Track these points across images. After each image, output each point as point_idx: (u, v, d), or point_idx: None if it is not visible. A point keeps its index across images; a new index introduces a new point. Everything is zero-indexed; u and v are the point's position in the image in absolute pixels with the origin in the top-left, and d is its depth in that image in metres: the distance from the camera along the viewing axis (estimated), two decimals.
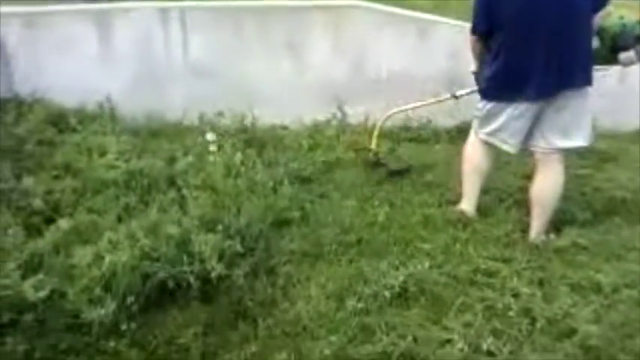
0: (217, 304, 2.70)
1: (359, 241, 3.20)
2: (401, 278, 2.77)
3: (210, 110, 4.59)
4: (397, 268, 2.90)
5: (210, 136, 4.04)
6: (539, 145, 3.26)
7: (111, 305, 2.49)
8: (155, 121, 4.54)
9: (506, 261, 3.08)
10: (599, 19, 3.15)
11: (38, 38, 4.78)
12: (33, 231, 3.08)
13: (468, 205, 3.52)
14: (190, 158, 3.80)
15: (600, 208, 3.72)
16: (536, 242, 3.26)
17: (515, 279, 2.90)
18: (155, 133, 4.37)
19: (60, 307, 2.48)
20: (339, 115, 4.95)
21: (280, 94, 4.86)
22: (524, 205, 3.51)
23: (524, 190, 3.54)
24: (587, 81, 3.10)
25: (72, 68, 4.69)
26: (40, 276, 2.60)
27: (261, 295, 2.78)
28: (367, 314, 2.61)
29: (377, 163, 4.16)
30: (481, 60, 3.36)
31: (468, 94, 3.88)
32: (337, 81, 5.09)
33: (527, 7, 3.02)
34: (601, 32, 3.24)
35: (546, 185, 3.28)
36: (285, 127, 4.69)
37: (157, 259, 2.74)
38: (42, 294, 2.46)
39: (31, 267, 2.68)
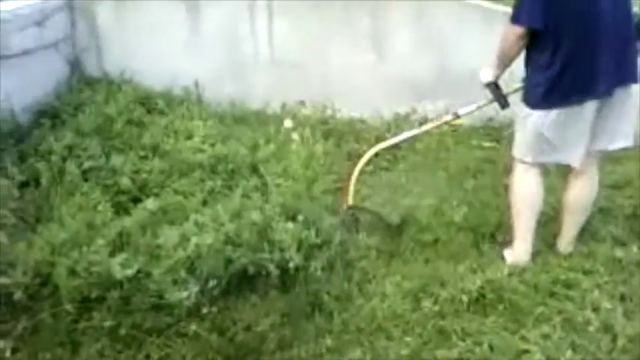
0: (294, 295, 2.74)
1: (435, 241, 3.19)
2: (478, 283, 2.74)
3: (292, 99, 4.64)
4: (475, 272, 2.87)
5: (287, 123, 4.09)
6: (594, 148, 2.97)
7: (194, 288, 2.57)
8: (239, 107, 4.63)
9: (586, 273, 2.98)
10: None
11: (129, 20, 4.94)
12: (120, 209, 3.23)
13: (523, 248, 3.07)
14: (272, 146, 3.86)
15: None
16: (567, 252, 3.13)
17: (595, 292, 2.81)
18: (239, 119, 4.46)
19: (145, 286, 2.58)
20: (419, 109, 4.91)
21: (361, 86, 4.85)
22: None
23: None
24: (636, 77, 2.90)
25: (161, 52, 4.82)
26: (127, 255, 2.71)
27: (337, 289, 2.81)
28: (443, 318, 2.60)
29: (356, 222, 3.34)
30: (509, 64, 2.98)
31: (473, 111, 3.30)
32: (419, 74, 5.02)
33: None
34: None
35: (585, 192, 3.06)
36: (364, 121, 4.69)
37: (240, 245, 2.81)
38: (129, 272, 2.57)
39: (118, 245, 2.80)
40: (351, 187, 3.30)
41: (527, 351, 2.42)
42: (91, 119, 4.00)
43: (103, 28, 4.91)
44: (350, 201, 3.31)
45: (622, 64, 2.83)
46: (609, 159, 4.17)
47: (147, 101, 4.46)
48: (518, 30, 2.79)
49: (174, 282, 2.60)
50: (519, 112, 2.98)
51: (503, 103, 3.07)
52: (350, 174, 3.32)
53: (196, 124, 4.08)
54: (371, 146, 3.52)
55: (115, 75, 4.74)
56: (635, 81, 2.90)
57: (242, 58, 4.89)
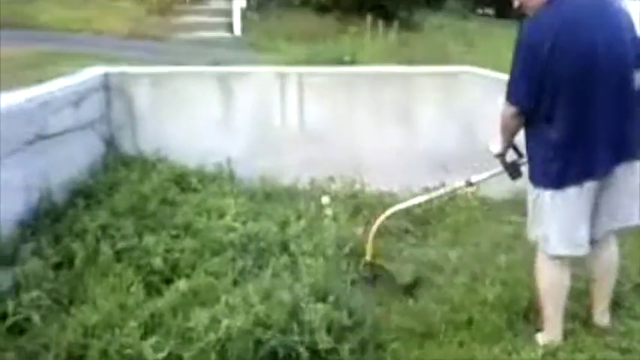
0: None
1: (469, 322, 3.13)
2: None
3: (321, 175, 4.70)
4: (510, 354, 2.80)
5: (325, 200, 4.13)
6: (596, 231, 2.80)
7: None
8: (269, 183, 4.70)
9: (623, 351, 2.91)
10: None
11: (163, 99, 5.11)
12: (152, 289, 3.25)
13: (555, 332, 2.93)
14: (303, 223, 3.88)
15: None
16: (604, 324, 3.04)
17: None
18: (269, 195, 4.52)
19: None
20: (447, 182, 4.91)
21: (389, 161, 4.91)
22: None
23: None
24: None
25: (194, 129, 4.96)
26: (158, 337, 2.71)
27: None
28: None
29: (375, 278, 3.51)
30: (512, 138, 2.92)
31: (485, 179, 3.32)
32: (447, 149, 5.08)
33: (587, 67, 2.56)
34: None
35: (603, 261, 2.94)
36: (393, 194, 4.71)
37: (269, 327, 2.79)
38: (160, 356, 2.56)
39: (150, 327, 2.80)
40: (370, 244, 3.48)
41: None
42: (125, 198, 4.07)
43: (137, 106, 5.08)
44: (369, 257, 3.47)
45: (630, 136, 2.68)
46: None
47: (181, 179, 4.55)
48: (512, 109, 2.71)
49: None
50: (529, 193, 2.84)
51: (514, 173, 3.04)
52: (368, 231, 3.50)
53: (228, 202, 4.13)
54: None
55: (150, 153, 4.86)
56: (638, 156, 2.74)
57: (273, 133, 5.01)
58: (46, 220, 3.79)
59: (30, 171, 3.82)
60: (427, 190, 4.83)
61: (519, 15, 2.84)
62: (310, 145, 4.94)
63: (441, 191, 3.61)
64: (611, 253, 2.95)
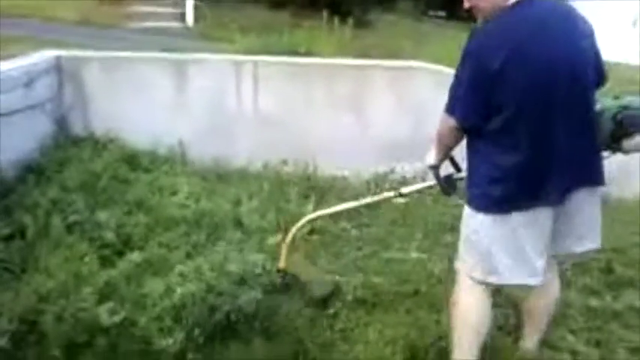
0: (279, 342, 2.78)
1: (416, 292, 3.25)
2: None
3: (274, 159, 4.78)
4: None
5: None
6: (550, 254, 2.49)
7: (179, 335, 2.61)
8: (222, 166, 4.75)
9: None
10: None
11: (116, 82, 5.09)
12: (105, 262, 3.26)
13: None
14: (255, 202, 3.95)
15: None
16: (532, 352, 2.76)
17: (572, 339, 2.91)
18: (222, 177, 4.57)
19: (131, 333, 2.61)
20: (397, 169, 5.07)
21: (342, 147, 5.02)
22: None
23: None
24: (602, 175, 2.43)
25: (146, 112, 4.96)
26: (114, 303, 2.75)
27: (321, 338, 2.86)
28: None
29: (287, 287, 3.23)
30: (448, 152, 2.60)
31: (416, 191, 3.20)
32: (397, 137, 5.22)
33: (544, 84, 2.23)
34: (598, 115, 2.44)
35: (550, 294, 2.66)
36: (345, 178, 4.83)
37: (221, 294, 2.86)
38: (116, 319, 2.60)
39: (105, 294, 2.83)
40: (284, 252, 3.24)
41: None
42: (75, 175, 4.06)
43: (89, 89, 5.03)
44: (282, 264, 3.24)
45: (588, 159, 2.38)
46: None
47: (132, 159, 4.55)
48: (452, 122, 2.37)
49: (160, 330, 2.64)
50: (464, 216, 2.48)
51: (446, 190, 2.71)
52: (284, 239, 3.29)
53: (180, 180, 4.17)
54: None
55: (101, 134, 4.84)
56: (599, 182, 2.44)
57: (227, 118, 5.06)
58: None
59: None
60: (377, 175, 5.02)
61: (470, 17, 2.54)
62: (264, 130, 5.01)
63: (369, 200, 3.36)
64: (549, 293, 2.66)
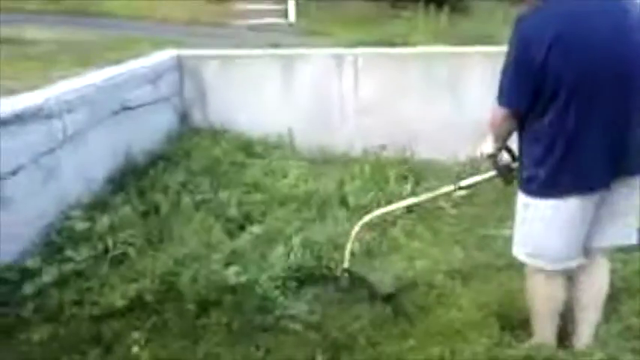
0: (380, 305, 3.13)
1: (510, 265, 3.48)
2: None
3: (374, 144, 5.13)
4: None
5: None
6: (590, 245, 2.56)
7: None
8: (326, 151, 5.15)
9: None
10: None
11: (230, 77, 5.61)
12: (230, 234, 3.72)
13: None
14: (358, 182, 4.32)
15: None
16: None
17: None
18: (327, 161, 4.97)
19: (254, 291, 3.03)
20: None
21: (437, 131, 5.28)
22: None
23: None
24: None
25: (258, 104, 5.45)
26: (239, 267, 3.19)
27: (419, 301, 3.18)
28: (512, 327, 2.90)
29: (352, 286, 3.30)
30: (504, 140, 2.61)
31: (475, 184, 3.13)
32: None
33: (590, 71, 2.25)
34: None
35: (591, 289, 2.68)
36: (440, 162, 5.09)
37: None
38: (242, 279, 3.04)
39: (232, 259, 3.28)
40: (348, 251, 3.33)
41: None
42: (199, 161, 4.59)
43: (207, 84, 5.59)
44: (346, 264, 3.33)
45: (634, 149, 2.38)
46: None
47: (247, 147, 5.06)
48: (503, 110, 2.42)
49: (276, 287, 3.06)
50: (518, 200, 2.57)
51: (506, 177, 2.73)
52: (349, 237, 3.36)
53: (290, 164, 4.60)
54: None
55: (218, 125, 5.37)
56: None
57: (330, 107, 5.45)
58: (131, 178, 4.30)
59: (115, 137, 4.35)
60: (473, 158, 5.22)
61: None
62: (364, 117, 5.37)
63: (429, 195, 3.38)
64: (601, 277, 2.69)
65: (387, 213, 3.57)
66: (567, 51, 2.23)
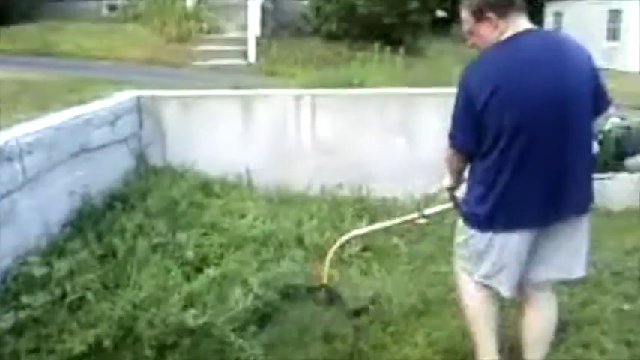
0: (338, 341, 3.21)
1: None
2: None
3: (331, 183, 5.24)
4: None
5: None
6: (534, 278, 2.72)
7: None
8: (284, 191, 5.24)
9: None
10: (600, 121, 2.63)
11: (189, 117, 5.68)
12: (187, 276, 3.75)
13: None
14: (315, 222, 4.41)
15: None
16: None
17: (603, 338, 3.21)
18: (285, 200, 5.05)
19: (212, 334, 3.07)
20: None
21: (393, 171, 5.42)
22: None
23: None
24: (589, 204, 2.64)
25: (217, 144, 5.52)
26: (196, 310, 3.22)
27: (374, 340, 3.26)
28: None
29: (331, 301, 3.56)
30: (459, 175, 2.78)
31: (439, 212, 3.40)
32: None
33: (530, 116, 2.40)
34: (602, 137, 2.65)
35: (545, 319, 2.82)
36: (396, 200, 5.22)
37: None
38: (200, 321, 3.07)
39: (189, 302, 3.31)
40: (326, 269, 3.62)
41: None
42: (158, 202, 4.60)
43: (167, 125, 5.64)
44: (324, 280, 3.63)
45: (577, 186, 2.55)
46: (619, 227, 4.63)
47: (205, 186, 5.09)
48: (454, 151, 2.64)
49: (234, 330, 3.11)
50: (458, 224, 2.80)
51: (461, 211, 2.83)
52: (324, 256, 3.68)
53: (248, 205, 4.66)
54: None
55: (177, 165, 5.41)
56: (586, 209, 2.65)
57: (287, 147, 5.56)
58: (89, 221, 4.29)
59: (74, 179, 4.35)
60: (427, 196, 5.37)
61: None
62: (321, 157, 5.48)
63: (396, 221, 3.70)
64: (549, 311, 2.83)
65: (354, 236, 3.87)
66: (507, 98, 2.38)
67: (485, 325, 2.79)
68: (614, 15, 17.71)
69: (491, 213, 2.54)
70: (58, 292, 3.31)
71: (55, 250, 3.77)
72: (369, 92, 6.49)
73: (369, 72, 8.68)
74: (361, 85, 7.45)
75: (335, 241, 3.81)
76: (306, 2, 12.91)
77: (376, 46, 10.22)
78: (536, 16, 22.33)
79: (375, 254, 4.27)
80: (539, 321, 2.81)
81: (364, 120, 5.69)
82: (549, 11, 22.60)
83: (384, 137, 5.64)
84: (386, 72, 8.93)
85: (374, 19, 11.59)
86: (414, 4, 11.55)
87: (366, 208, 4.89)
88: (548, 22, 22.60)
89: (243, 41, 11.19)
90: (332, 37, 12.15)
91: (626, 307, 3.54)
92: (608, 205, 5.07)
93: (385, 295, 3.62)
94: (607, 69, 15.19)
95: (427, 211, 3.41)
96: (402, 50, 10.53)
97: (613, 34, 17.63)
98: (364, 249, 4.26)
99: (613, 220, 5.00)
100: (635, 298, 3.65)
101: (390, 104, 5.79)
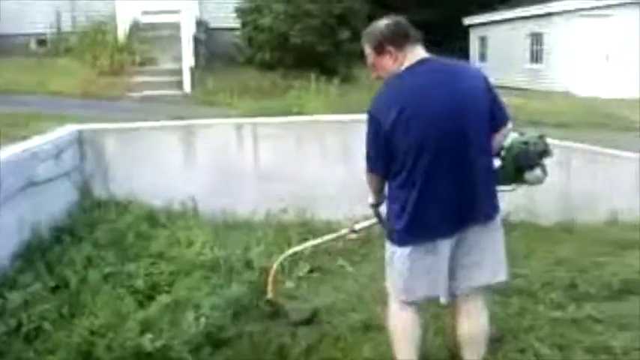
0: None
1: None
2: None
3: (275, 208, 5.40)
4: None
5: None
6: (459, 286, 2.86)
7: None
8: (230, 217, 5.37)
9: None
10: (500, 138, 2.86)
11: (131, 149, 5.77)
12: (139, 304, 3.83)
13: None
14: (262, 246, 4.57)
15: (616, 288, 4.23)
16: None
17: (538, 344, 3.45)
18: (231, 227, 5.18)
19: (169, 356, 3.17)
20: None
21: (335, 193, 5.64)
22: None
23: None
24: (496, 211, 2.85)
25: (160, 174, 5.62)
26: (153, 334, 3.32)
27: (325, 355, 3.43)
28: None
29: (275, 314, 3.84)
30: (380, 192, 2.97)
31: (369, 227, 3.54)
32: None
33: (433, 129, 2.65)
34: (503, 152, 2.91)
35: (477, 324, 2.97)
36: (339, 222, 5.41)
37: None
38: (157, 344, 3.17)
39: (145, 327, 3.40)
40: (270, 284, 3.83)
41: None
42: (105, 234, 4.68)
43: (109, 157, 5.71)
44: (270, 295, 3.84)
45: (481, 197, 2.76)
46: (549, 240, 4.98)
47: (151, 217, 5.18)
48: (370, 173, 2.89)
49: (190, 351, 3.23)
50: (386, 246, 2.95)
51: (384, 224, 3.02)
52: (269, 271, 3.89)
53: (195, 232, 4.78)
54: None
55: (121, 197, 5.47)
56: (497, 213, 2.86)
57: (231, 175, 5.70)
58: (38, 252, 4.33)
59: (22, 213, 4.39)
60: (367, 217, 5.61)
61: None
62: (265, 184, 5.66)
63: (330, 236, 3.91)
64: (479, 316, 2.98)
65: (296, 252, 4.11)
66: (411, 117, 2.63)
67: (409, 346, 2.96)
68: (536, 38, 18.62)
69: (407, 228, 2.74)
70: (12, 322, 3.40)
71: (6, 282, 3.84)
72: (308, 119, 6.73)
73: (307, 100, 8.94)
74: (300, 113, 7.68)
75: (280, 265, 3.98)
76: (238, 32, 13.05)
77: (312, 75, 10.46)
78: (461, 40, 23.18)
79: (322, 274, 4.45)
80: (473, 326, 2.96)
81: (305, 146, 5.91)
82: (475, 36, 23.42)
83: (325, 162, 5.87)
84: (322, 100, 9.20)
85: (307, 48, 11.82)
86: (346, 34, 11.85)
87: (311, 231, 5.07)
88: (474, 46, 23.41)
89: (178, 72, 11.20)
90: (265, 66, 12.31)
91: (558, 314, 3.83)
92: (539, 220, 5.47)
93: (336, 310, 3.79)
94: (527, 89, 16.19)
95: (357, 226, 3.60)
96: (336, 79, 10.82)
97: (536, 56, 18.52)
98: (311, 270, 4.44)
99: (543, 233, 5.36)
100: (565, 306, 3.95)
101: (328, 131, 6.04)
